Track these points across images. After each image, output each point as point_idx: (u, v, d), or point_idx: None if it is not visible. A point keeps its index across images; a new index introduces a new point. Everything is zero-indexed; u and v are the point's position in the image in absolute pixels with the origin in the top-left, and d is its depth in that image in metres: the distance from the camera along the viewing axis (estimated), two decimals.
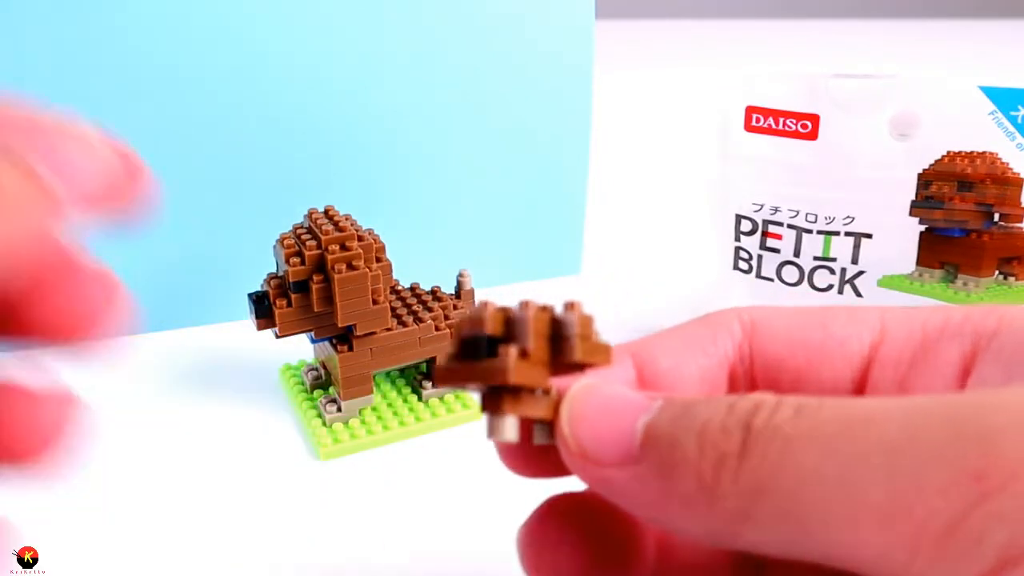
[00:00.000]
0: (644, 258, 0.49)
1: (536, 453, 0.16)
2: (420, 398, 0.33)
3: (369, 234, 0.30)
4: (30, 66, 0.34)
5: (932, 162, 0.32)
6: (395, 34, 0.38)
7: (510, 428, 0.14)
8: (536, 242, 0.45)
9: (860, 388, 0.16)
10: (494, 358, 0.14)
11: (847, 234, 0.34)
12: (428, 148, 0.41)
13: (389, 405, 0.33)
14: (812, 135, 0.34)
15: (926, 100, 0.32)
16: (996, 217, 0.32)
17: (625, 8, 1.80)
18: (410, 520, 0.27)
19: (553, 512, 0.16)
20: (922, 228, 0.33)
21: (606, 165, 0.67)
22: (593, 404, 0.14)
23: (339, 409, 0.31)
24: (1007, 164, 0.31)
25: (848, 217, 0.34)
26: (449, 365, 0.15)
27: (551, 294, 0.44)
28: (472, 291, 0.35)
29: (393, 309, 0.32)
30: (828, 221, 0.34)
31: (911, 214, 0.33)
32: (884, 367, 0.16)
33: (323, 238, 0.29)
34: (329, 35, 0.37)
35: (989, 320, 0.15)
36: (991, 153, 0.31)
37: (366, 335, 0.31)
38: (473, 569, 0.25)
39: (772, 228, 0.36)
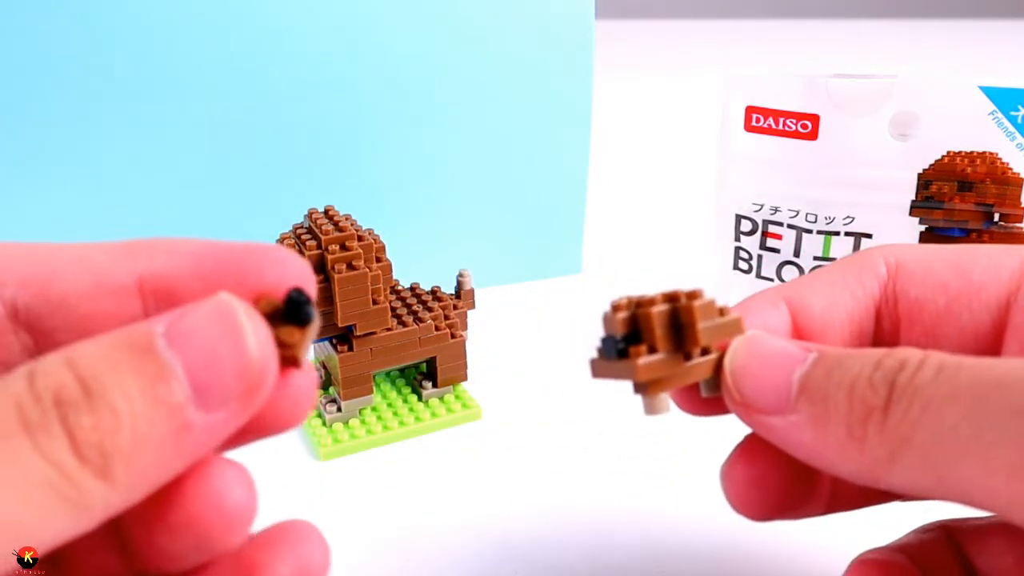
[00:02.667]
0: (644, 258, 0.49)
1: (706, 399, 0.18)
2: (420, 398, 0.33)
3: (369, 234, 0.30)
4: (29, 65, 0.34)
5: (932, 162, 0.32)
6: (395, 34, 0.38)
7: (662, 405, 0.16)
8: (536, 242, 0.45)
9: (999, 330, 0.17)
10: (625, 359, 0.16)
11: (847, 234, 0.34)
12: (428, 148, 0.41)
13: (389, 405, 0.33)
14: (812, 135, 0.34)
15: (926, 100, 0.32)
16: (996, 217, 0.32)
17: (625, 8, 1.80)
18: (410, 520, 0.27)
19: (749, 448, 0.18)
20: (922, 228, 0.33)
21: (606, 165, 0.67)
22: (754, 357, 0.16)
23: (339, 409, 0.31)
24: (1007, 164, 0.31)
25: (848, 217, 0.34)
26: (595, 362, 0.17)
27: (551, 294, 0.44)
28: (472, 291, 0.35)
29: (393, 309, 0.32)
30: (828, 221, 0.34)
31: (911, 214, 0.33)
32: (1022, 311, 0.17)
33: (323, 238, 0.29)
34: (329, 35, 0.37)
35: None
36: (991, 153, 0.31)
37: (366, 335, 0.31)
38: (473, 569, 0.25)
39: (772, 228, 0.36)
